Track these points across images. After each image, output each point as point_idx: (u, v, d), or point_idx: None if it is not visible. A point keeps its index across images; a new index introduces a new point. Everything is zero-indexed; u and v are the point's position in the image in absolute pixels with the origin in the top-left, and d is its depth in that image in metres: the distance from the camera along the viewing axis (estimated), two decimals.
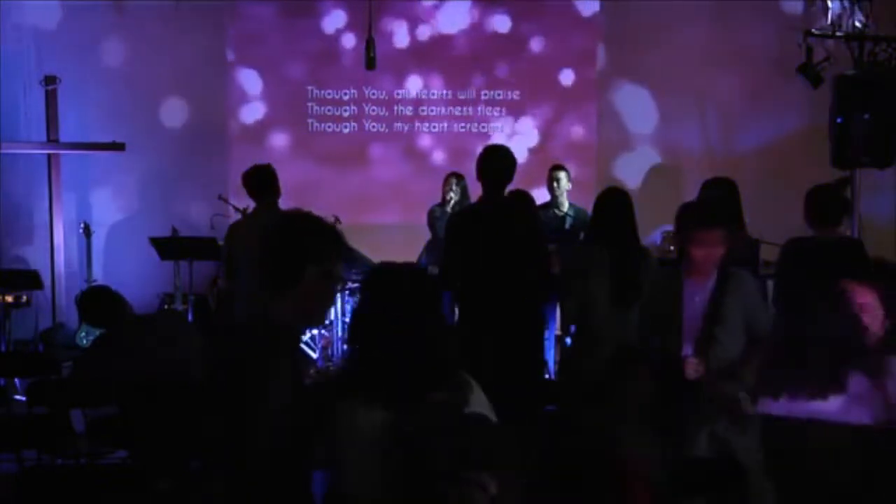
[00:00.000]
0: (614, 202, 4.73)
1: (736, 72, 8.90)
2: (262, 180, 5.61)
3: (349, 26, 8.85)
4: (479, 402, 2.32)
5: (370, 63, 7.33)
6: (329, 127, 9.01)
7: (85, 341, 7.50)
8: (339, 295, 7.84)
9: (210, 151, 8.98)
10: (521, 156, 8.80)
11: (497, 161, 4.87)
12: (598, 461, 2.77)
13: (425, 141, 9.04)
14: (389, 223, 8.78)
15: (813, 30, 6.91)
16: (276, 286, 2.26)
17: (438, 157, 8.99)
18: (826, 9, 6.91)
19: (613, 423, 3.03)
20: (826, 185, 5.19)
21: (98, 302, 4.81)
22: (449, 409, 2.21)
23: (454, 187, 7.26)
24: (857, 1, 6.81)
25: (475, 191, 5.98)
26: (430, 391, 2.23)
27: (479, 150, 5.15)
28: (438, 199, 7.45)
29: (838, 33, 6.87)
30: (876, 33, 6.89)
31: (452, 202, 7.21)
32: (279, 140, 8.89)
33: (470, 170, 5.18)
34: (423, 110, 9.02)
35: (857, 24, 6.84)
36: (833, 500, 3.15)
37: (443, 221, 7.20)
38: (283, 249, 2.27)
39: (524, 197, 5.41)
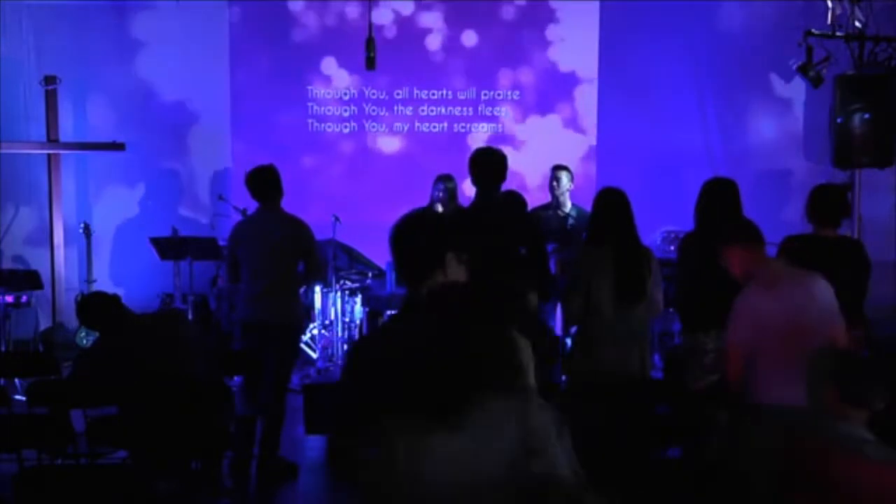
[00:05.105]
0: (612, 202, 4.71)
1: (736, 71, 8.90)
2: (265, 181, 5.58)
3: (349, 26, 8.85)
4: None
5: (370, 63, 7.32)
6: (329, 127, 9.01)
7: (85, 341, 7.51)
8: (339, 295, 7.86)
9: (210, 151, 8.98)
10: (521, 156, 8.89)
11: (489, 162, 4.87)
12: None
13: (425, 140, 9.04)
14: (389, 223, 8.75)
15: (813, 30, 6.92)
16: (425, 275, 2.53)
17: (439, 156, 8.98)
18: (826, 9, 6.92)
19: None
20: (832, 185, 5.20)
21: (95, 308, 4.78)
22: None
23: (441, 193, 6.99)
24: (857, 1, 6.81)
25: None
26: None
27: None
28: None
29: (838, 33, 6.87)
30: (876, 33, 6.90)
31: (438, 206, 7.09)
32: (279, 140, 8.88)
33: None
34: (422, 110, 9.02)
35: (857, 24, 6.85)
36: None
37: None
38: (427, 243, 2.61)
39: (517, 197, 5.36)
